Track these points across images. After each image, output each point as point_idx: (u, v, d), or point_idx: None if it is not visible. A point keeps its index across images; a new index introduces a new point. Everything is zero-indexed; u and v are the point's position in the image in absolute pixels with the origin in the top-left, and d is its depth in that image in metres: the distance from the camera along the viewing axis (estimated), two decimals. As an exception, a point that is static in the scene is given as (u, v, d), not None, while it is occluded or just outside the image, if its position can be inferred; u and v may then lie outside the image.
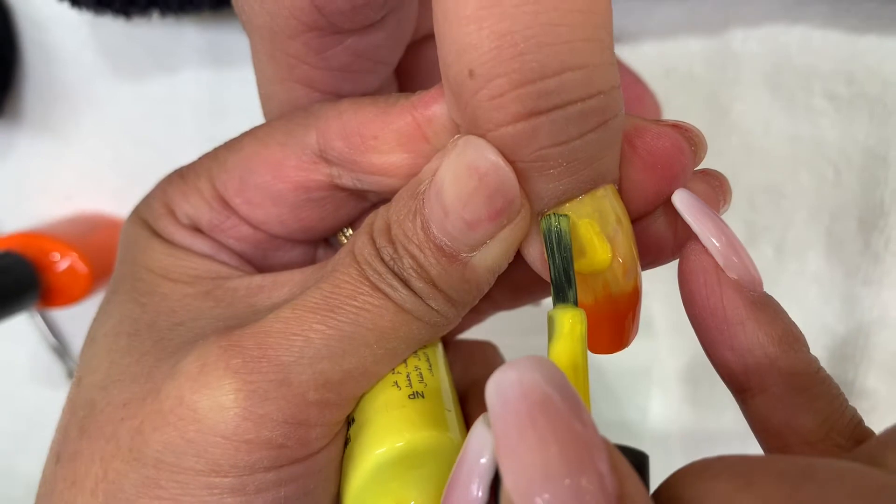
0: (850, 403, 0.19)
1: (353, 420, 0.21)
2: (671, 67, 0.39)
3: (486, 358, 0.27)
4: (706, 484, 0.16)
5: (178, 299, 0.22)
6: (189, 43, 0.42)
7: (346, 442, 0.21)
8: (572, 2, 0.16)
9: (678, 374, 0.44)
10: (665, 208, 0.21)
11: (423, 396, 0.21)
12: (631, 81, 0.32)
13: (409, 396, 0.21)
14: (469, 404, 0.24)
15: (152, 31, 0.42)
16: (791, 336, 0.20)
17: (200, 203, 0.23)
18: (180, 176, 0.23)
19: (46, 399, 0.52)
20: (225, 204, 0.23)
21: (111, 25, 0.42)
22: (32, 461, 0.61)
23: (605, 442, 0.15)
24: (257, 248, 0.23)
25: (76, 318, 0.49)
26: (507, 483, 0.14)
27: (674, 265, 0.41)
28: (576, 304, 0.19)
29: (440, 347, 0.24)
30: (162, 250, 0.23)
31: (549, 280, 0.19)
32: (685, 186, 0.20)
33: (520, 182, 0.18)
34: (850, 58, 0.37)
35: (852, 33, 0.36)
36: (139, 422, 0.19)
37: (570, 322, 0.18)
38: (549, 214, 0.19)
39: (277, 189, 0.22)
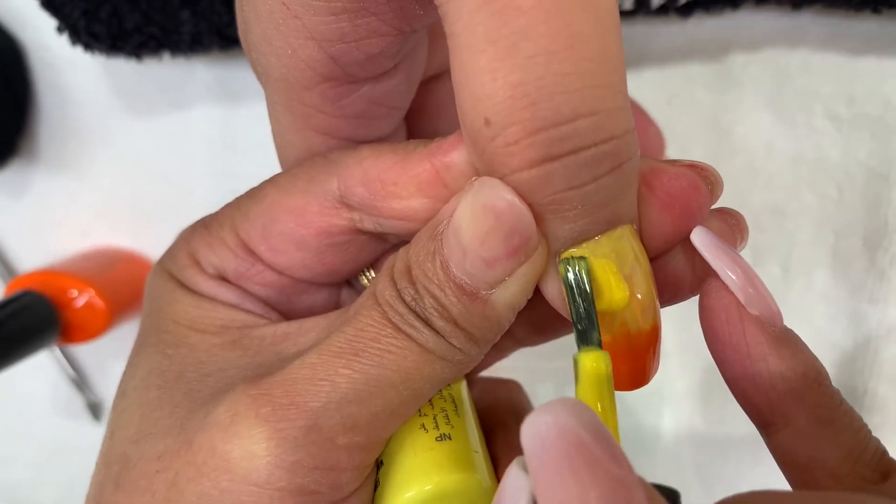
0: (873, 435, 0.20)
1: (382, 463, 0.21)
2: (673, 93, 0.39)
3: (511, 396, 0.27)
4: None
5: (205, 350, 0.22)
6: (199, 80, 0.43)
7: (377, 485, 0.21)
8: (582, 51, 0.16)
9: (688, 392, 0.45)
10: (683, 246, 0.21)
11: (450, 438, 0.21)
12: (634, 113, 0.32)
13: (436, 439, 0.21)
14: (495, 444, 0.24)
15: (163, 69, 0.43)
16: (814, 370, 0.20)
17: (225, 252, 0.23)
18: (204, 226, 0.24)
19: (66, 430, 0.52)
20: (249, 252, 0.23)
21: (123, 65, 0.42)
22: (52, 491, 0.62)
23: (642, 482, 0.15)
24: (282, 294, 0.24)
25: (95, 351, 0.50)
26: None
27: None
28: (600, 346, 0.19)
29: (465, 387, 0.24)
30: (188, 301, 0.23)
31: (570, 319, 0.20)
32: (702, 224, 0.21)
33: (537, 222, 0.19)
34: (849, 79, 0.37)
35: (851, 55, 0.37)
36: (174, 474, 0.20)
37: (595, 364, 0.19)
38: (568, 258, 0.19)
39: (301, 235, 0.22)
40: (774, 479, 0.47)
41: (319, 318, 0.23)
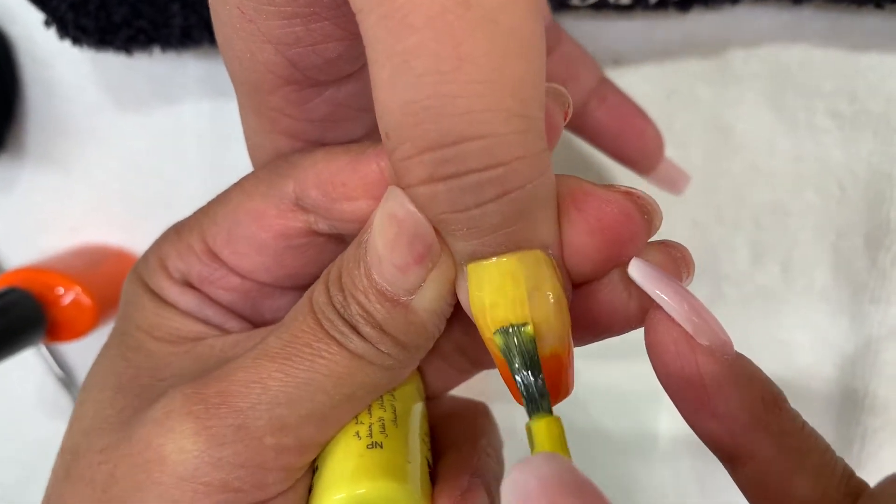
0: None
1: (317, 468, 0.22)
2: (673, 89, 0.39)
3: (470, 417, 0.27)
4: None
5: (161, 356, 0.23)
6: (190, 74, 0.42)
7: (311, 491, 0.22)
8: (472, 73, 0.16)
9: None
10: (622, 276, 0.20)
11: (381, 447, 0.22)
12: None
13: (367, 446, 0.22)
14: (442, 463, 0.24)
15: (153, 63, 0.42)
16: (771, 394, 0.19)
17: (191, 257, 0.24)
18: (175, 232, 0.24)
19: (53, 430, 0.51)
20: (214, 256, 0.24)
21: (112, 59, 0.42)
22: (39, 491, 0.61)
23: None
24: (246, 298, 0.24)
25: (82, 350, 0.49)
26: None
27: (689, 287, 0.41)
28: (550, 412, 0.19)
29: (418, 403, 0.24)
30: (150, 308, 0.24)
31: (482, 333, 0.20)
32: (640, 255, 0.20)
33: (438, 234, 0.19)
34: (851, 76, 0.37)
35: (853, 51, 0.36)
36: (113, 466, 0.21)
37: (547, 431, 0.19)
38: (508, 327, 0.19)
39: (261, 238, 0.23)
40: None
41: (267, 328, 0.23)
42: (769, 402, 0.19)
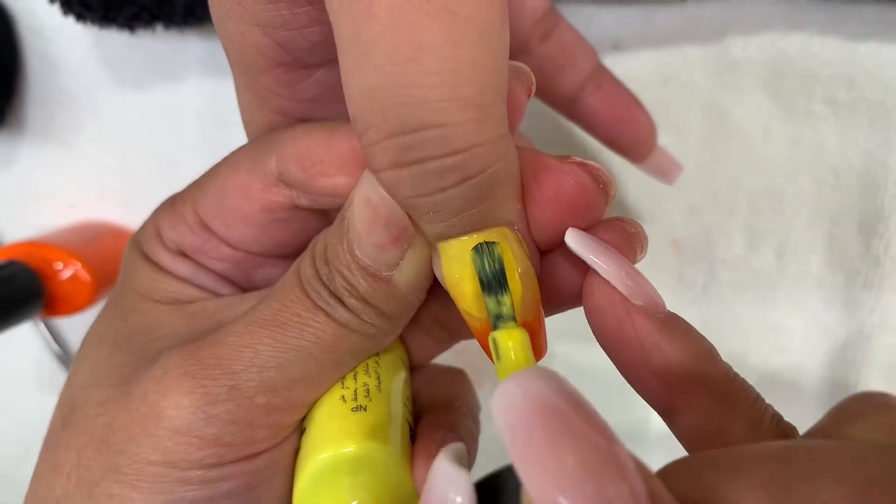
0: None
1: (305, 429, 0.24)
2: (671, 75, 0.39)
3: (449, 383, 0.28)
4: (698, 480, 0.16)
5: (156, 317, 0.24)
6: (191, 52, 0.42)
7: (299, 450, 0.24)
8: (429, 64, 0.16)
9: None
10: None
11: (365, 410, 0.23)
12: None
13: (352, 409, 0.23)
14: (420, 425, 0.25)
15: (155, 41, 0.42)
16: (705, 349, 0.20)
17: (184, 228, 0.25)
18: (171, 203, 0.26)
19: (50, 405, 0.52)
20: (206, 228, 0.25)
21: (114, 36, 0.42)
22: (36, 468, 0.61)
23: (628, 450, 0.15)
24: (238, 267, 0.26)
25: (79, 326, 0.50)
26: (534, 492, 0.14)
27: (674, 268, 0.41)
28: (515, 322, 0.20)
29: (401, 370, 0.26)
30: (147, 273, 0.25)
31: (457, 304, 0.21)
32: (597, 226, 0.21)
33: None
34: (849, 63, 0.37)
35: (852, 39, 0.36)
36: (110, 418, 0.22)
37: (512, 338, 0.20)
38: (479, 244, 0.20)
39: (247, 211, 0.24)
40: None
41: (259, 291, 0.25)
42: (703, 356, 0.20)
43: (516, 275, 0.20)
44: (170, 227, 0.25)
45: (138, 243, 0.26)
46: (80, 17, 0.39)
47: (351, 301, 0.22)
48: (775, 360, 0.42)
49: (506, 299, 0.20)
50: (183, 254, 0.25)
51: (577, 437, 0.14)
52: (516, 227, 0.20)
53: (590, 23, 0.38)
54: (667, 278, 0.42)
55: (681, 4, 0.37)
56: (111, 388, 0.23)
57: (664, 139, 0.39)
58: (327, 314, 0.22)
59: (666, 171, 0.35)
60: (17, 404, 0.53)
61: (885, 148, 0.37)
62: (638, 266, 0.43)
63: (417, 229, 0.21)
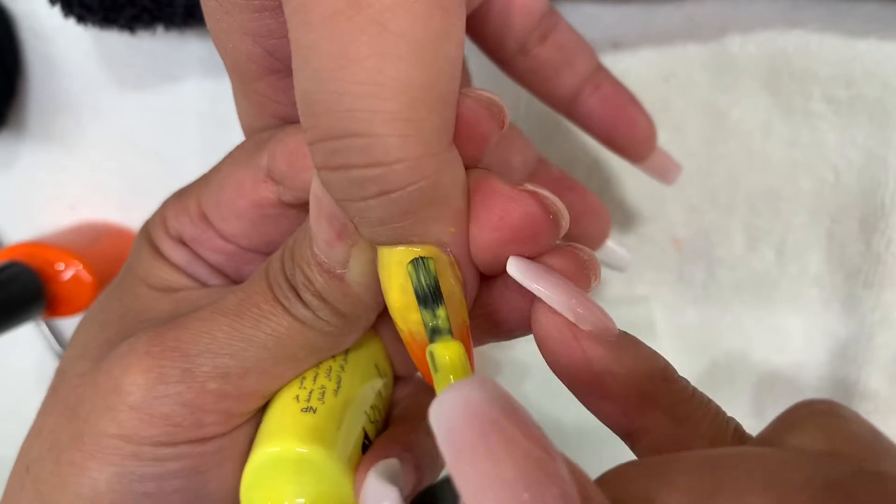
0: (852, 406, 0.20)
1: (260, 423, 0.24)
2: (670, 73, 0.39)
3: (419, 398, 0.28)
4: (632, 486, 0.16)
5: (146, 300, 0.26)
6: (192, 53, 0.42)
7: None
8: (356, 74, 0.17)
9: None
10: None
11: (314, 412, 0.23)
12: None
13: (301, 410, 0.23)
14: (379, 436, 0.26)
15: (155, 42, 0.42)
16: (658, 368, 0.20)
17: (186, 219, 0.26)
18: (178, 194, 0.27)
19: (52, 407, 0.52)
20: (204, 219, 0.26)
21: (115, 37, 0.42)
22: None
23: (564, 457, 0.15)
24: (230, 260, 0.27)
25: (81, 327, 0.50)
26: (470, 502, 0.14)
27: (674, 267, 0.41)
28: (451, 334, 0.20)
29: (374, 379, 0.26)
30: (148, 258, 0.26)
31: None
32: (549, 254, 0.21)
33: None
34: (848, 61, 0.37)
35: (850, 37, 0.36)
36: (83, 389, 0.23)
37: (449, 351, 0.20)
38: (416, 259, 0.20)
39: (239, 205, 0.25)
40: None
41: (235, 286, 0.26)
42: (657, 376, 0.20)
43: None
44: (173, 217, 0.26)
45: (146, 229, 0.27)
46: (81, 18, 0.39)
47: (308, 296, 0.23)
48: (775, 360, 0.42)
49: (441, 312, 0.20)
50: (182, 242, 0.26)
51: (513, 446, 0.14)
52: (449, 250, 0.20)
53: (590, 21, 0.38)
54: (667, 277, 0.42)
55: (680, 4, 0.37)
56: (90, 362, 0.24)
57: (664, 137, 0.39)
58: (285, 308, 0.23)
59: (665, 172, 0.35)
60: (17, 404, 0.53)
61: (884, 145, 0.37)
62: (638, 265, 0.43)
63: None
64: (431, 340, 0.20)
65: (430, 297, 0.20)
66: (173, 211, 0.26)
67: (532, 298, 0.21)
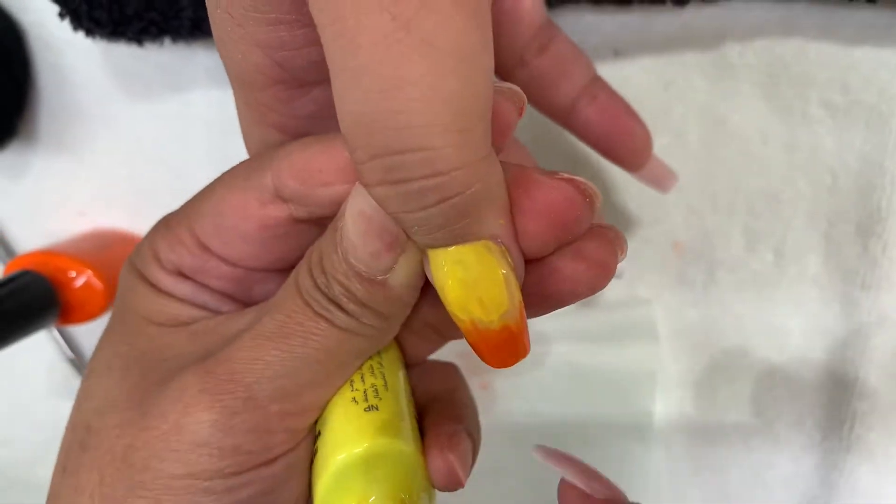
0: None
1: (320, 433, 0.25)
2: (670, 80, 0.39)
3: (444, 376, 0.29)
4: None
5: (161, 339, 0.25)
6: (199, 63, 0.43)
7: (316, 454, 0.25)
8: (410, 92, 0.18)
9: (681, 378, 0.45)
10: (570, 250, 0.23)
11: (377, 409, 0.24)
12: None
13: (365, 409, 0.24)
14: (426, 417, 0.27)
15: (163, 53, 0.43)
16: None
17: (182, 250, 0.26)
18: (165, 225, 0.26)
19: (64, 411, 0.52)
20: (204, 248, 0.25)
21: (123, 49, 0.43)
22: (50, 471, 0.62)
23: None
24: (240, 284, 0.26)
25: (93, 332, 0.50)
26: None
27: (674, 269, 0.41)
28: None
29: (400, 369, 0.27)
30: (147, 296, 0.26)
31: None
32: (584, 238, 0.23)
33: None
34: (845, 68, 0.37)
35: (847, 44, 0.37)
36: (131, 438, 0.23)
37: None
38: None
39: (245, 229, 0.25)
40: (766, 467, 0.47)
41: (259, 305, 0.26)
42: None
43: (500, 284, 0.21)
44: (168, 250, 0.26)
45: (135, 266, 0.26)
46: (90, 32, 0.39)
47: (350, 306, 0.23)
48: (774, 360, 0.43)
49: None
50: (182, 275, 0.26)
51: None
52: (500, 241, 0.21)
53: (590, 30, 0.38)
54: (667, 280, 0.43)
55: (679, 12, 0.38)
56: (128, 411, 0.24)
57: (665, 142, 0.40)
58: (328, 321, 0.23)
59: (661, 181, 0.35)
60: (30, 409, 0.54)
61: (880, 150, 0.38)
62: (639, 268, 0.44)
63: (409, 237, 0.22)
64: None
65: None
66: (166, 244, 0.26)
67: (567, 278, 0.22)
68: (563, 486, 0.25)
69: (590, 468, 0.25)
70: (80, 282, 0.43)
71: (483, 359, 0.23)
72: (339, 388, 0.25)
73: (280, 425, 0.23)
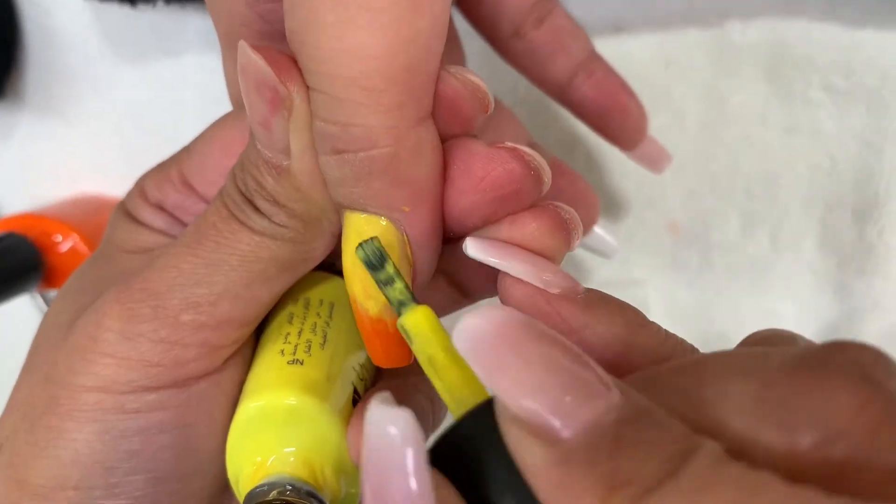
0: None
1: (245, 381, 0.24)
2: (671, 58, 0.39)
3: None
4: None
5: (125, 265, 0.25)
6: (192, 26, 0.42)
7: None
8: (319, 39, 0.19)
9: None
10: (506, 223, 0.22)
11: (301, 364, 0.23)
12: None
13: (288, 363, 0.23)
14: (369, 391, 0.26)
15: (155, 14, 0.42)
16: (631, 315, 0.21)
17: (168, 187, 0.26)
18: (158, 166, 0.27)
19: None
20: (188, 186, 0.26)
21: (115, 10, 0.42)
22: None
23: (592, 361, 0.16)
24: None
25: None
26: (509, 402, 0.15)
27: (669, 251, 0.41)
28: (416, 301, 0.20)
29: (360, 349, 0.25)
30: (125, 227, 0.26)
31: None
32: (527, 211, 0.21)
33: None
34: (848, 50, 0.37)
35: (851, 26, 0.37)
36: (55, 355, 0.23)
37: (424, 318, 0.19)
38: (361, 243, 0.20)
39: (226, 166, 0.24)
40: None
41: None
42: (633, 323, 0.20)
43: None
44: (154, 187, 0.26)
45: (122, 204, 0.27)
46: (82, -10, 0.39)
47: (261, 202, 0.22)
48: (767, 344, 0.42)
49: (398, 285, 0.20)
50: (162, 208, 0.26)
51: (548, 349, 0.15)
52: (402, 228, 0.21)
53: (592, 4, 0.38)
54: (662, 261, 0.43)
55: (682, -12, 0.37)
56: (62, 331, 0.23)
57: (664, 121, 0.39)
58: (241, 222, 0.22)
59: (655, 161, 0.35)
60: (12, 377, 0.54)
61: (881, 135, 0.37)
62: (635, 248, 0.43)
63: (298, 92, 0.20)
64: (399, 314, 0.20)
65: (384, 275, 0.20)
66: (154, 182, 0.26)
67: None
68: (509, 282, 0.20)
69: (538, 257, 0.21)
70: (65, 246, 0.43)
71: (366, 347, 0.23)
72: (273, 338, 0.24)
73: (193, 338, 0.22)
